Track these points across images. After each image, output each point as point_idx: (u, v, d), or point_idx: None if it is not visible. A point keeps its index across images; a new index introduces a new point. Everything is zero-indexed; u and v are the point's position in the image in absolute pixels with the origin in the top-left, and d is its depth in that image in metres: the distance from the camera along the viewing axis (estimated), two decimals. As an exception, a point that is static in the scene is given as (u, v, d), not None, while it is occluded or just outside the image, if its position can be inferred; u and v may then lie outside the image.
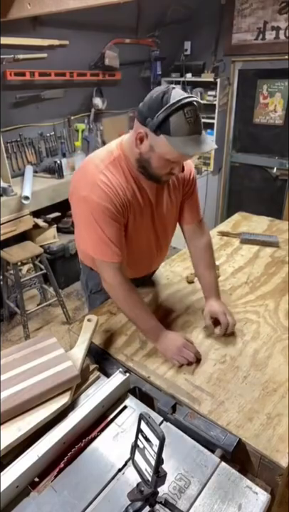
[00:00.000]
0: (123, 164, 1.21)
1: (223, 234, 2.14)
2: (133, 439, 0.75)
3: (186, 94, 1.05)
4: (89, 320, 1.24)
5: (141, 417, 0.71)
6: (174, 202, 1.39)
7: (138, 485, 0.75)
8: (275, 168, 3.89)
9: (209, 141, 1.11)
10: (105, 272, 1.26)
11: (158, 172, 1.19)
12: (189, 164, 1.40)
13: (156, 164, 1.16)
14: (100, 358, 1.24)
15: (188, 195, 1.43)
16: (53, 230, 3.26)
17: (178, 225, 1.52)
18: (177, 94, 1.04)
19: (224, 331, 1.31)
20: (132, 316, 1.30)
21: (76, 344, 1.17)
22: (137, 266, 1.47)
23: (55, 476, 0.87)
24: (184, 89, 3.96)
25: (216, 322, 1.34)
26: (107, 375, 1.15)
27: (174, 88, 1.06)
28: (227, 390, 1.13)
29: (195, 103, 1.05)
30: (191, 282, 1.68)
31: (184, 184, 1.40)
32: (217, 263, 1.75)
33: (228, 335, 1.33)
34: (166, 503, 0.79)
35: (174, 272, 1.78)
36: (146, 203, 1.30)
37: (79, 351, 1.14)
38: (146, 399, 1.11)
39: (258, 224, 2.29)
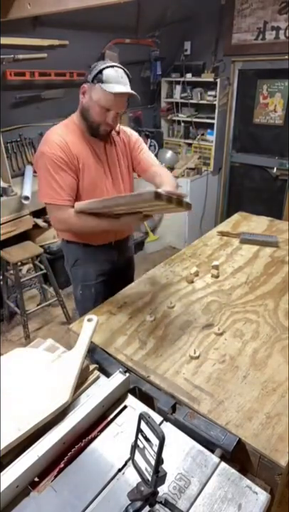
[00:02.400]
0: (74, 127, 1.51)
1: (223, 234, 2.14)
2: (133, 439, 0.76)
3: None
4: (89, 320, 1.24)
5: (141, 417, 0.71)
6: (125, 164, 1.67)
7: (138, 485, 0.75)
8: (275, 168, 3.89)
9: (128, 88, 1.41)
10: (58, 215, 1.48)
11: (96, 119, 1.45)
12: (130, 131, 1.72)
13: (94, 112, 1.43)
14: (100, 358, 1.24)
15: (139, 150, 1.71)
16: (53, 230, 3.26)
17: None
18: (110, 60, 1.44)
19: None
20: (98, 229, 1.52)
21: (76, 345, 1.17)
22: None
23: (55, 476, 0.87)
24: (183, 89, 3.97)
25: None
26: (107, 375, 1.15)
27: (108, 58, 1.38)
28: (226, 389, 1.13)
29: (122, 68, 1.41)
30: (191, 282, 1.68)
31: (130, 147, 1.68)
32: (217, 263, 1.76)
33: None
34: (166, 503, 0.79)
35: (174, 271, 1.78)
36: (98, 161, 1.54)
37: (78, 352, 1.14)
38: (146, 399, 1.11)
39: (257, 224, 2.29)
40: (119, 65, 1.41)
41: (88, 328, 1.21)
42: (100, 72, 1.37)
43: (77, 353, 1.13)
